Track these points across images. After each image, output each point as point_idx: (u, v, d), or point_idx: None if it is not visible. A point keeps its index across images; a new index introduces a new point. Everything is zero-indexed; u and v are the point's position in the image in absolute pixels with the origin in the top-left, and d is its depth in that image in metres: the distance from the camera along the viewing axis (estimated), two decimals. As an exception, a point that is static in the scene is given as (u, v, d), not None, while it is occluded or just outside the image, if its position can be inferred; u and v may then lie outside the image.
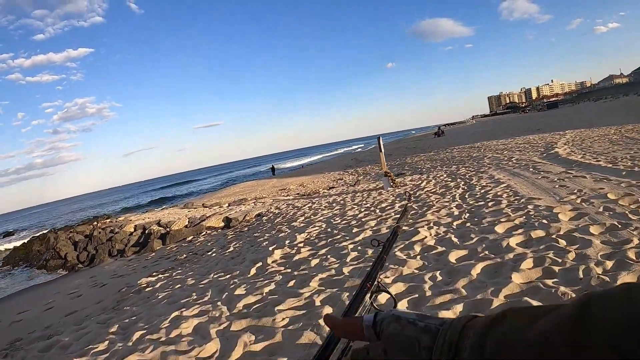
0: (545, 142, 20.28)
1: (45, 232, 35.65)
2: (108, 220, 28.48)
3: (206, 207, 26.13)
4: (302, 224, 11.30)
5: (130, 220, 25.29)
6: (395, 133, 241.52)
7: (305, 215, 12.67)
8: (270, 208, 16.56)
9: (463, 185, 11.97)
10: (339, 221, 10.57)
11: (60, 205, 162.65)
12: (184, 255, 12.46)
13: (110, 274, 13.47)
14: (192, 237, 16.42)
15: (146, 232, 19.53)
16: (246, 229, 13.91)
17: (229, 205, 22.43)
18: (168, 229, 18.62)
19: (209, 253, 11.52)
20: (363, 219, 10.07)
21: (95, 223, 28.26)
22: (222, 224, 16.68)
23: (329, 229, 9.92)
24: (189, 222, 18.85)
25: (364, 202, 12.91)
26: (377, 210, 10.87)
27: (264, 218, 14.71)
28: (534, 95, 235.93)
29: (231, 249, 11.07)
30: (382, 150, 15.63)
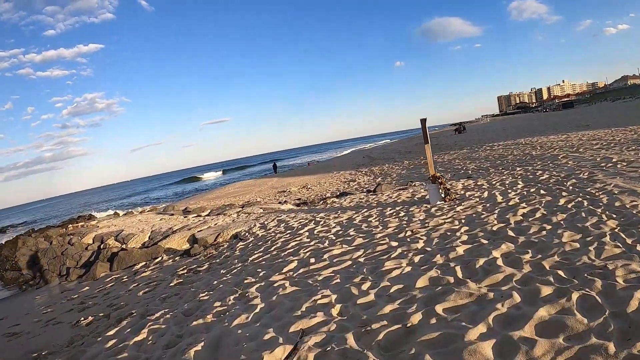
0: (627, 137, 15.07)
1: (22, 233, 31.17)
2: (80, 225, 24.00)
3: (188, 212, 21.23)
4: (291, 284, 6.02)
5: (98, 226, 20.66)
6: (404, 131, 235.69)
7: (302, 250, 7.49)
8: (255, 225, 11.39)
9: (588, 203, 6.79)
10: (370, 289, 4.83)
11: (66, 200, 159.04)
12: (88, 318, 7.35)
13: (38, 309, 9.38)
14: (144, 262, 11.54)
15: (101, 247, 15.02)
16: (206, 263, 8.77)
17: (210, 213, 17.41)
18: (123, 246, 14.10)
19: (125, 319, 6.41)
20: (427, 293, 4.65)
21: (63, 229, 23.79)
22: (185, 246, 11.74)
23: (347, 323, 4.09)
24: (149, 238, 14.01)
25: (403, 226, 7.78)
26: (447, 256, 5.60)
27: (239, 245, 9.57)
28: (545, 95, 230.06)
29: (157, 315, 5.90)
30: (429, 141, 10.32)
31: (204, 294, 6.17)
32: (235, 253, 8.73)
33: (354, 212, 10.12)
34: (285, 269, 6.28)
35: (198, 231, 12.61)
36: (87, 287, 10.38)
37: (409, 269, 5.17)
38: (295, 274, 5.96)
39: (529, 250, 5.00)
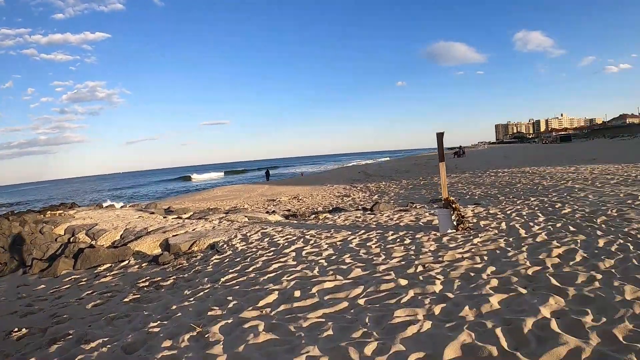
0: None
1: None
2: (58, 213, 22.57)
3: (170, 211, 19.91)
4: (266, 327, 4.73)
5: (74, 217, 19.23)
6: (400, 151, 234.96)
7: (286, 276, 6.21)
8: (236, 235, 10.10)
9: (634, 248, 5.62)
10: (377, 355, 3.53)
11: (56, 185, 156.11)
12: (22, 330, 6.05)
13: None
14: (108, 264, 10.21)
15: (70, 240, 13.82)
16: (172, 277, 7.45)
17: (191, 216, 16.09)
18: (93, 242, 12.89)
19: (59, 341, 5.17)
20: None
21: (41, 215, 22.39)
22: (156, 251, 10.49)
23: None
24: (120, 237, 12.71)
25: (411, 257, 6.55)
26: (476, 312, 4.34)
27: (214, 258, 8.26)
28: (542, 127, 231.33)
29: (94, 344, 4.62)
30: (444, 159, 9.06)
31: (155, 324, 4.85)
32: (207, 269, 7.42)
33: (349, 232, 8.85)
34: (261, 302, 4.97)
35: (173, 236, 11.30)
36: (42, 286, 9.07)
37: (428, 325, 3.88)
38: (273, 312, 4.65)
39: (588, 310, 3.77)
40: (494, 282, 4.85)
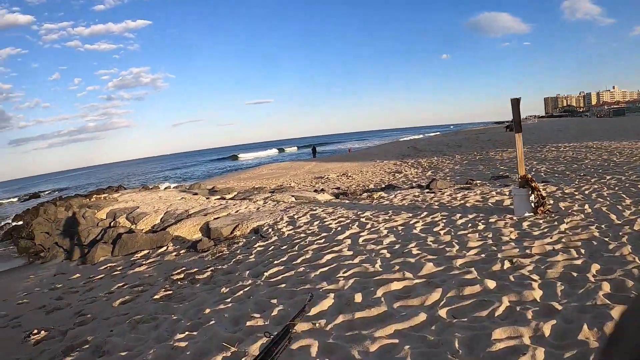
0: None
1: (48, 200, 30.99)
2: (103, 197, 22.48)
3: (214, 191, 19.27)
4: (321, 349, 3.55)
5: (117, 200, 18.96)
6: (445, 126, 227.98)
7: (342, 272, 5.14)
8: (282, 218, 9.12)
9: None
10: None
11: (105, 169, 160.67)
12: (41, 333, 5.32)
13: (18, 295, 7.86)
14: (146, 251, 9.57)
15: (111, 224, 13.35)
16: (210, 268, 6.54)
17: (235, 196, 15.32)
18: (133, 226, 12.37)
19: (74, 352, 4.43)
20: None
21: (87, 199, 22.64)
22: (196, 236, 9.71)
23: None
24: (160, 220, 12.14)
25: (491, 249, 5.37)
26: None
27: (258, 245, 7.31)
28: (594, 100, 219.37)
29: (114, 357, 3.71)
30: (521, 130, 7.61)
31: (182, 336, 3.90)
32: (250, 258, 6.46)
33: (410, 215, 7.66)
34: (314, 310, 3.89)
35: (214, 219, 10.48)
36: (77, 275, 8.57)
37: (541, 354, 2.75)
38: (329, 325, 3.58)
39: None
40: (606, 287, 3.64)
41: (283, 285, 4.79)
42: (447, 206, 8.13)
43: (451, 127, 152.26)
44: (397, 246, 5.70)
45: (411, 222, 7.02)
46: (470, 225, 6.45)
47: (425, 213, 7.61)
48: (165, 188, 24.51)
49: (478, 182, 12.33)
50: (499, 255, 4.83)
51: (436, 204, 8.52)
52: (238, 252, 7.18)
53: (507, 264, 4.55)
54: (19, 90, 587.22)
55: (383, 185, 15.10)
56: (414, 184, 14.61)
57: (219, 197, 15.35)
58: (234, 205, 12.07)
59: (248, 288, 4.95)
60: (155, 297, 5.64)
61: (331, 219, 8.15)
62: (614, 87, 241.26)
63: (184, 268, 6.89)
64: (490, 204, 7.96)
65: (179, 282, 6.13)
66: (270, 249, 6.79)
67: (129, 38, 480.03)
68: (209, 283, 5.77)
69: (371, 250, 5.67)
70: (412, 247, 5.53)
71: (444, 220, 6.90)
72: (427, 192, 10.30)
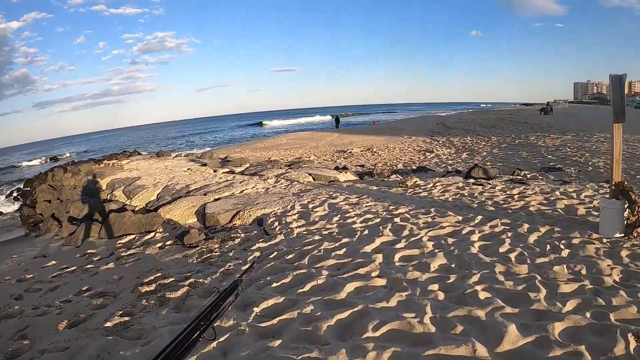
0: None
1: (59, 165, 29.75)
2: (112, 163, 21.24)
3: (226, 161, 17.74)
4: None
5: (122, 168, 17.66)
6: (467, 104, 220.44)
7: (373, 321, 3.32)
8: (294, 206, 7.37)
9: None
10: None
11: (127, 132, 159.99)
12: None
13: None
14: (132, 237, 8.02)
15: (108, 197, 12.11)
16: (194, 276, 4.85)
17: (246, 170, 13.70)
18: (127, 202, 11.03)
19: None
20: None
21: (97, 165, 21.34)
22: (190, 220, 8.21)
23: None
24: (156, 197, 10.80)
25: (598, 304, 3.54)
26: None
27: (260, 243, 5.66)
28: (625, 90, 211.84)
29: None
30: (624, 118, 5.39)
31: None
32: (242, 270, 4.74)
33: (459, 218, 5.79)
34: None
35: (214, 200, 8.86)
36: (53, 262, 7.06)
37: None
38: None
39: None
40: None
41: (278, 342, 3.05)
42: (506, 208, 6.26)
43: (482, 105, 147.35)
44: (452, 278, 3.88)
45: (464, 232, 5.18)
46: (548, 247, 4.59)
47: (479, 218, 5.75)
48: (176, 156, 23.00)
49: (527, 173, 10.43)
50: (612, 319, 3.02)
51: (489, 203, 6.64)
52: (231, 254, 5.49)
53: (632, 341, 2.74)
54: (44, 54, 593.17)
55: (414, 167, 13.24)
56: (449, 167, 12.71)
57: (227, 170, 13.70)
58: (240, 182, 10.39)
59: (226, 336, 3.24)
60: (108, 324, 4.01)
61: (355, 215, 6.36)
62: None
63: (159, 274, 5.23)
64: (560, 210, 6.06)
65: (144, 300, 4.48)
66: (271, 256, 5.06)
67: (154, 2, 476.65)
68: (180, 309, 4.11)
69: (414, 281, 3.87)
70: (475, 283, 3.71)
71: (509, 234, 5.03)
72: (474, 184, 8.40)
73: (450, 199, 7.05)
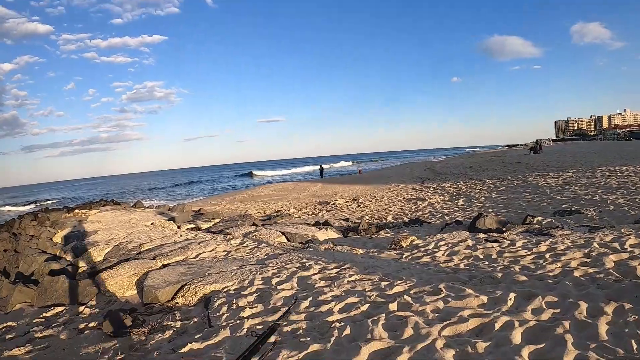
0: None
1: (30, 212, 28.52)
2: (82, 212, 19.97)
3: (199, 214, 16.04)
4: None
5: (86, 219, 16.12)
6: (455, 148, 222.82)
7: None
8: (254, 280, 5.57)
9: None
10: None
11: (113, 180, 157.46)
12: None
13: None
14: (63, 307, 6.62)
15: (58, 253, 10.48)
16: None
17: (212, 226, 12.01)
18: (73, 261, 9.26)
19: None
20: None
21: (69, 213, 20.14)
22: (129, 293, 6.58)
23: None
24: (104, 257, 9.04)
25: None
26: None
27: (191, 348, 3.75)
28: (605, 123, 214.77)
29: None
30: None
31: None
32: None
33: (484, 300, 3.98)
34: None
35: (160, 267, 7.03)
36: None
37: None
38: None
39: None
40: None
41: None
42: (542, 276, 4.52)
43: (466, 150, 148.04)
44: None
45: (497, 326, 3.39)
46: (635, 344, 2.88)
47: (512, 297, 3.96)
48: (147, 207, 21.17)
49: (540, 219, 8.83)
50: None
51: (517, 269, 4.90)
52: (154, 357, 3.71)
53: None
54: (34, 97, 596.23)
55: (406, 219, 11.59)
56: (446, 217, 11.08)
57: (192, 226, 11.94)
58: (200, 243, 8.60)
59: None
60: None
61: (332, 297, 4.53)
62: (625, 110, 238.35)
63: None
64: (613, 271, 4.39)
65: None
66: None
67: (144, 52, 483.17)
68: None
69: None
70: None
71: (566, 324, 3.26)
72: (485, 239, 6.70)
73: (462, 266, 5.32)
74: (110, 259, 8.51)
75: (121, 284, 6.65)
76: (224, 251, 7.68)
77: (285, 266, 6.02)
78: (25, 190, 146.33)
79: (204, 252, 7.68)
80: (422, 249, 6.36)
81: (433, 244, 6.61)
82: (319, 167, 48.26)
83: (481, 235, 7.12)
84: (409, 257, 6.00)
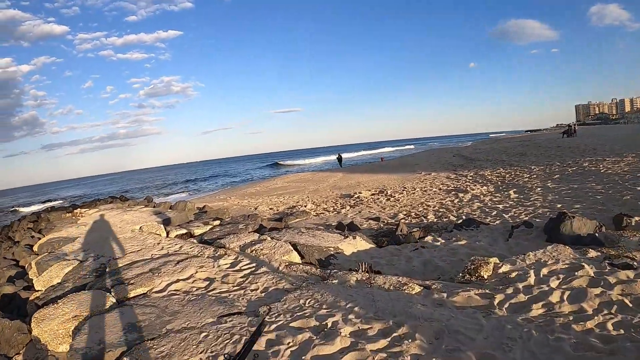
0: None
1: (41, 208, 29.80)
2: (79, 212, 18.69)
3: (201, 213, 13.81)
4: None
5: (78, 221, 14.92)
6: (474, 135, 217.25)
7: None
8: (235, 347, 3.15)
9: None
10: None
11: (132, 175, 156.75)
12: None
13: None
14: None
15: (26, 267, 8.84)
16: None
17: (209, 231, 9.68)
18: (34, 278, 7.47)
19: None
20: None
21: (68, 213, 18.47)
22: (63, 348, 4.27)
23: None
24: (62, 280, 6.92)
25: None
26: None
27: None
28: (627, 107, 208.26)
29: None
30: None
31: None
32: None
33: None
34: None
35: (108, 307, 4.72)
36: None
37: None
38: None
39: None
40: None
41: None
42: None
43: (490, 135, 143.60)
44: None
45: None
46: None
47: None
48: (146, 205, 19.02)
49: (638, 219, 6.30)
50: None
51: None
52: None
53: None
54: (52, 97, 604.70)
55: (452, 217, 9.14)
56: (505, 215, 8.57)
57: (184, 231, 9.61)
58: (177, 263, 6.22)
59: None
60: None
61: None
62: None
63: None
64: None
65: None
66: None
67: (160, 48, 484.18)
68: None
69: None
70: None
71: None
72: (608, 263, 4.20)
73: (610, 327, 2.86)
74: (64, 285, 6.30)
75: (55, 332, 4.41)
76: (206, 279, 5.29)
77: (292, 323, 3.58)
78: (46, 187, 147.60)
79: (177, 280, 5.32)
80: (520, 285, 3.86)
81: (532, 273, 4.10)
82: (337, 156, 45.55)
83: (592, 254, 4.60)
84: (507, 306, 3.50)
